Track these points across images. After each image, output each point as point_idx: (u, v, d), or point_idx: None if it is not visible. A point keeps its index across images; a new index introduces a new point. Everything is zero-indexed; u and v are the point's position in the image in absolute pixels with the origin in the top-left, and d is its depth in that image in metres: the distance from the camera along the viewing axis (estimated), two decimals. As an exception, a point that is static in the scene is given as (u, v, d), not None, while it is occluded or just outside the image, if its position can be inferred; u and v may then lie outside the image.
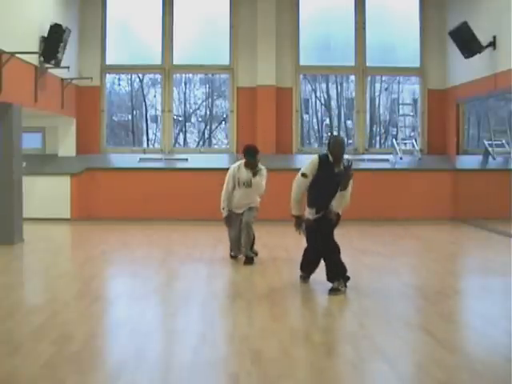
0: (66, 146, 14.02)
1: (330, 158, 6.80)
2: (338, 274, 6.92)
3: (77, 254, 10.05)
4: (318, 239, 7.01)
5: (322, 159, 6.83)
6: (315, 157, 6.89)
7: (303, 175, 6.88)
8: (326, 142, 7.28)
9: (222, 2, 14.54)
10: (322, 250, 7.02)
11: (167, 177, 13.71)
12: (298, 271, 7.56)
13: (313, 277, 7.72)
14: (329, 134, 17.53)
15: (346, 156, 6.99)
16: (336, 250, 7.02)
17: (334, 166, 6.81)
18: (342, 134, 19.09)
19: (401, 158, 13.99)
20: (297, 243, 10.27)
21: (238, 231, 8.59)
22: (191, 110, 19.05)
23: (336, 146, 6.79)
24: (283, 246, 9.81)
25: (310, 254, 7.24)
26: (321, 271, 7.80)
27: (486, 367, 4.51)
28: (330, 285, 6.91)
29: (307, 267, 7.33)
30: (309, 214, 7.00)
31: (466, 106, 14.41)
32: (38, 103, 11.45)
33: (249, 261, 8.45)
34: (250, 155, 8.39)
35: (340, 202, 6.95)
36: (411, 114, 15.09)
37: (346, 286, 6.88)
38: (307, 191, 6.97)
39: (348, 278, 6.96)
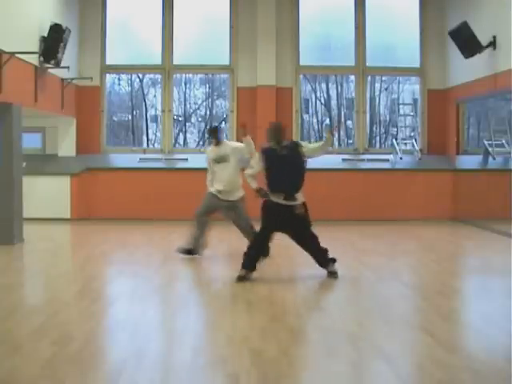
0: (66, 146, 14.02)
1: (271, 144, 7.42)
2: (326, 259, 7.46)
3: (77, 254, 10.05)
4: (296, 235, 7.47)
5: (264, 150, 7.42)
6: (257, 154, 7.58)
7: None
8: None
9: (222, 2, 14.55)
10: (303, 243, 7.49)
11: (167, 177, 13.71)
12: (294, 271, 7.57)
13: (312, 276, 7.72)
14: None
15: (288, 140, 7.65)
16: (315, 238, 7.49)
17: (277, 150, 7.34)
18: (342, 134, 19.08)
19: (401, 158, 13.98)
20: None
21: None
22: (191, 110, 19.02)
23: (269, 131, 7.49)
24: (283, 245, 9.79)
25: (259, 245, 7.43)
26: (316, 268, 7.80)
27: (486, 367, 4.50)
28: (328, 283, 6.91)
29: (254, 261, 7.42)
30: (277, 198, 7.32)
31: (466, 106, 14.41)
32: (38, 103, 11.45)
33: None
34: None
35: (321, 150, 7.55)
36: (411, 113, 15.09)
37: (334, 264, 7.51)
38: (268, 179, 7.37)
39: (334, 260, 7.51)
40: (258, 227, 7.69)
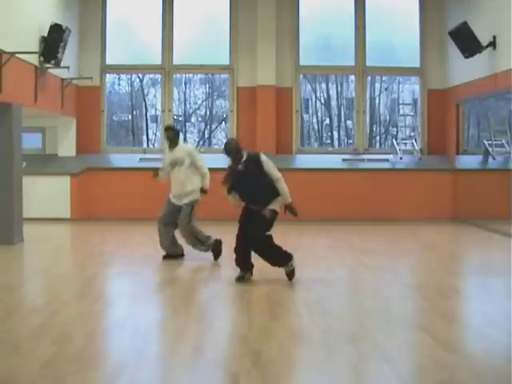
0: (66, 146, 14.02)
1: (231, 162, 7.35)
2: (280, 260, 7.29)
3: (77, 254, 10.06)
4: (248, 233, 7.25)
5: (230, 167, 7.38)
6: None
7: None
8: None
9: (221, 2, 14.55)
10: (251, 243, 7.24)
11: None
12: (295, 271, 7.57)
13: (312, 277, 7.72)
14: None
15: (250, 153, 7.35)
16: (264, 241, 7.26)
17: (236, 165, 7.27)
18: (342, 134, 19.10)
19: (401, 158, 13.99)
20: (297, 243, 10.28)
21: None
22: (191, 110, 19.04)
23: (224, 148, 7.32)
24: (283, 245, 9.80)
25: (238, 246, 7.35)
26: (310, 268, 7.81)
27: (486, 367, 4.50)
28: (328, 283, 6.89)
29: (241, 262, 7.39)
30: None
31: (466, 106, 14.41)
32: (38, 103, 11.45)
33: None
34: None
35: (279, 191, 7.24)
36: (411, 113, 15.09)
37: (293, 262, 7.32)
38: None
39: (290, 255, 7.31)
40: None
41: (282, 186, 7.19)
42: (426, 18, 14.56)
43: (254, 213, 7.24)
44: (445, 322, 5.76)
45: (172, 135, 8.74)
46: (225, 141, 7.85)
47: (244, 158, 7.24)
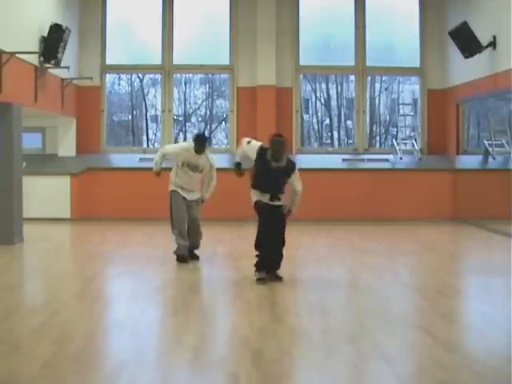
0: (66, 146, 14.02)
1: (268, 154, 7.21)
2: (279, 264, 7.45)
3: (77, 254, 10.05)
4: (272, 234, 7.31)
5: (261, 150, 7.27)
6: (258, 144, 7.37)
7: (248, 143, 7.47)
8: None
9: (222, 2, 14.55)
10: (276, 244, 7.35)
11: (167, 177, 13.68)
12: (294, 271, 7.55)
13: (312, 277, 7.72)
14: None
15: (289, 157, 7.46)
16: (283, 243, 7.47)
17: (271, 162, 7.16)
18: (342, 134, 19.09)
19: (401, 158, 13.99)
20: (297, 242, 10.28)
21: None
22: (191, 110, 19.02)
23: (275, 145, 7.21)
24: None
25: (267, 247, 7.33)
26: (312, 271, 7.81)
27: (486, 367, 4.50)
28: (328, 283, 6.89)
29: (267, 263, 7.37)
30: (263, 198, 7.31)
31: (466, 106, 14.41)
32: (38, 103, 11.45)
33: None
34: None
35: (293, 200, 7.43)
36: (411, 113, 15.09)
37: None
38: (256, 177, 7.34)
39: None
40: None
41: (298, 199, 7.39)
42: (426, 18, 14.55)
43: (273, 213, 7.30)
44: (445, 322, 5.77)
45: (204, 148, 8.63)
46: (275, 138, 7.34)
47: (281, 163, 7.21)
